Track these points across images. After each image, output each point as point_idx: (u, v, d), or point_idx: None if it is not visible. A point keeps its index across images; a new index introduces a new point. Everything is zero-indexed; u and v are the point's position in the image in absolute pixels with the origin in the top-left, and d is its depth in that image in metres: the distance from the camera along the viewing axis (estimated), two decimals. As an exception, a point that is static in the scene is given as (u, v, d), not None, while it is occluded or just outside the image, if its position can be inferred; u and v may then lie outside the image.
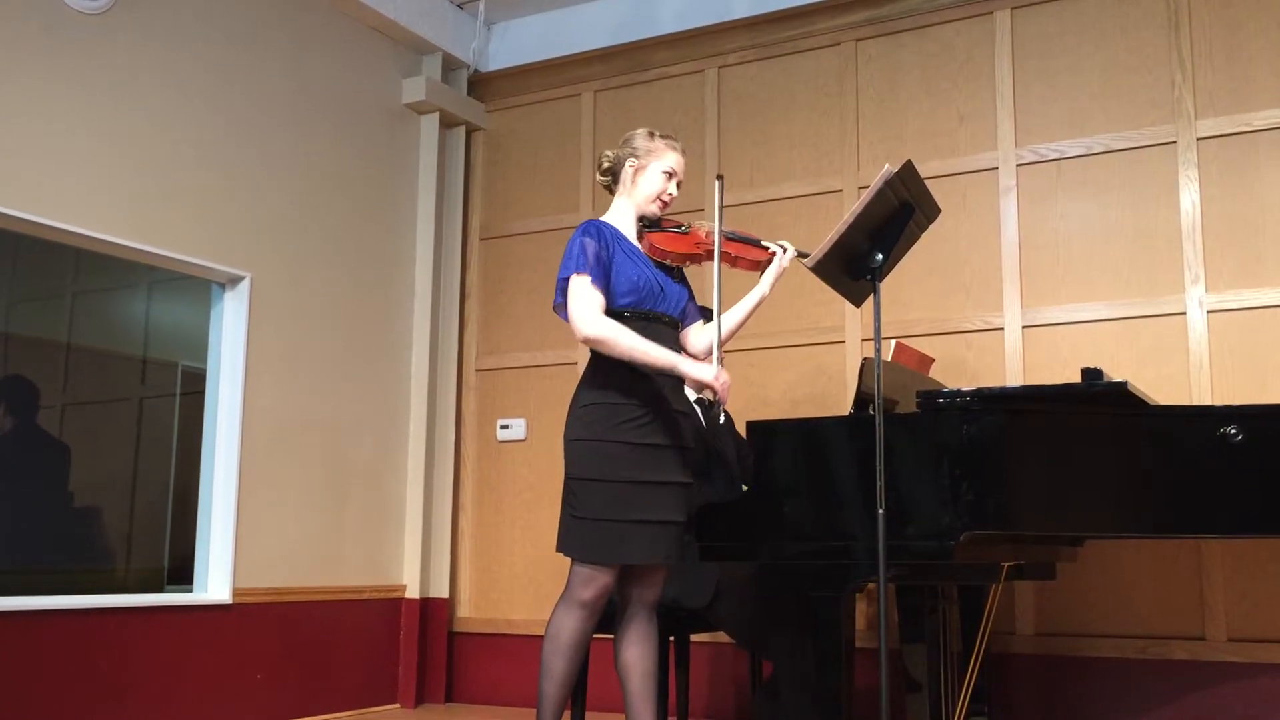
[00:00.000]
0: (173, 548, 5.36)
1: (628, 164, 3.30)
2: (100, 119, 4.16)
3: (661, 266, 3.28)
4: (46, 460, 5.30)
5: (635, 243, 3.28)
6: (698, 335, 3.34)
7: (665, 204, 3.31)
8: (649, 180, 3.28)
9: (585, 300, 3.10)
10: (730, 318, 3.34)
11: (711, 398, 3.16)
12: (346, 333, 5.13)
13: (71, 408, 5.66)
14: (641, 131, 3.35)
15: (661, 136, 3.33)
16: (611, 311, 3.15)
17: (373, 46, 5.37)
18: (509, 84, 5.78)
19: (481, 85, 5.83)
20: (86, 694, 3.97)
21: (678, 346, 3.29)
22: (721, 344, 3.25)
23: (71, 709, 3.92)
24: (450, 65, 5.70)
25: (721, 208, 3.26)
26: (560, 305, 3.20)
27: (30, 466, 5.21)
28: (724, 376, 3.12)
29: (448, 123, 5.67)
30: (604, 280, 3.14)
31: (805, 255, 3.18)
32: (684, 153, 3.36)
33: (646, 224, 3.31)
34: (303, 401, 4.88)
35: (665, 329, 3.24)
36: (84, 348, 5.83)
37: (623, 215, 3.32)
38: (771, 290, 3.35)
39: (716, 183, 3.32)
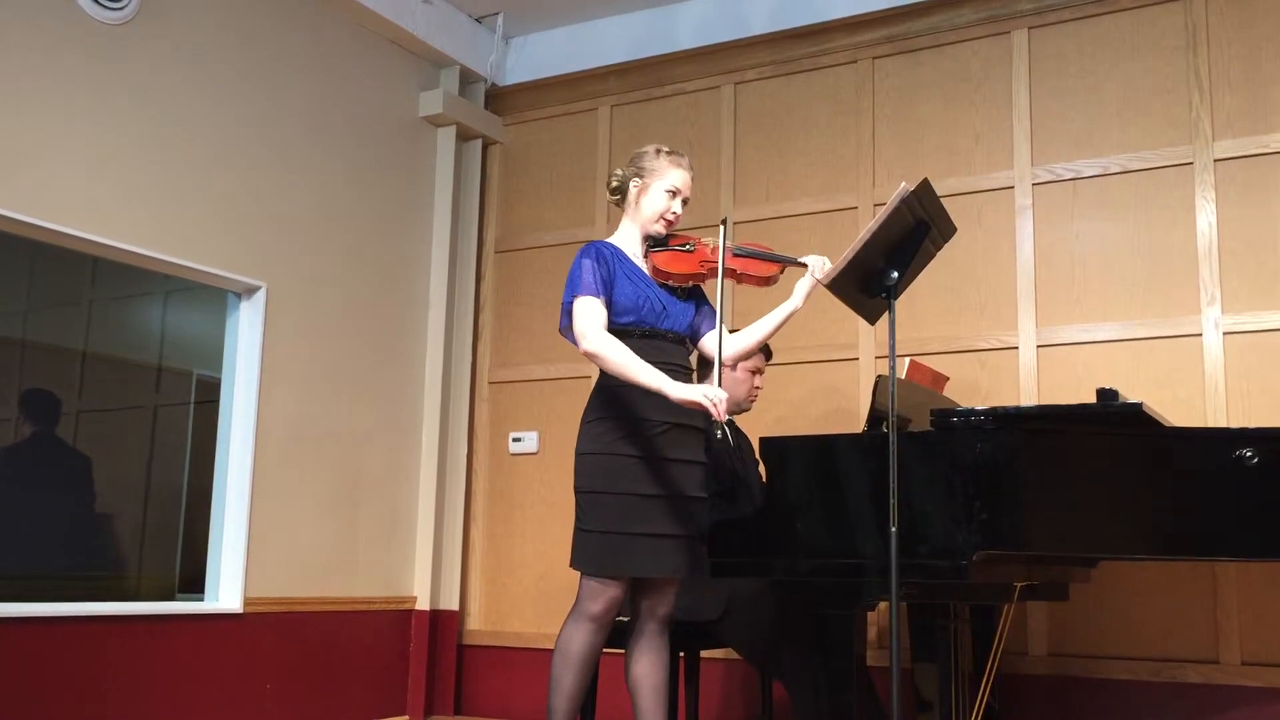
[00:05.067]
0: (185, 556, 5.37)
1: (632, 184, 3.31)
2: (119, 129, 4.19)
3: (665, 286, 3.29)
4: (66, 470, 5.31)
5: (638, 262, 3.28)
6: (715, 340, 3.34)
7: (670, 222, 3.31)
8: (652, 200, 3.29)
9: (588, 316, 3.12)
10: (760, 328, 3.34)
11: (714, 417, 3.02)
12: (361, 343, 5.14)
13: (87, 415, 5.68)
14: (649, 149, 3.34)
15: (667, 153, 3.31)
16: (614, 329, 3.16)
17: (391, 59, 5.40)
18: (526, 98, 5.80)
19: (499, 99, 5.85)
20: (97, 701, 3.97)
21: (684, 361, 3.29)
22: (742, 355, 3.32)
23: (82, 716, 3.92)
24: (468, 79, 5.72)
25: (725, 248, 3.26)
26: (566, 329, 3.22)
27: (49, 475, 5.23)
28: (715, 393, 2.99)
29: (465, 136, 5.68)
30: (608, 298, 3.16)
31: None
32: (690, 168, 3.34)
33: (653, 243, 3.31)
34: (316, 411, 4.89)
35: (669, 344, 3.24)
36: (100, 356, 5.85)
37: (628, 235, 3.33)
38: (805, 303, 3.34)
39: (721, 227, 3.31)
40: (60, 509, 5.25)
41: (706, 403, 2.99)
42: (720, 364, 3.18)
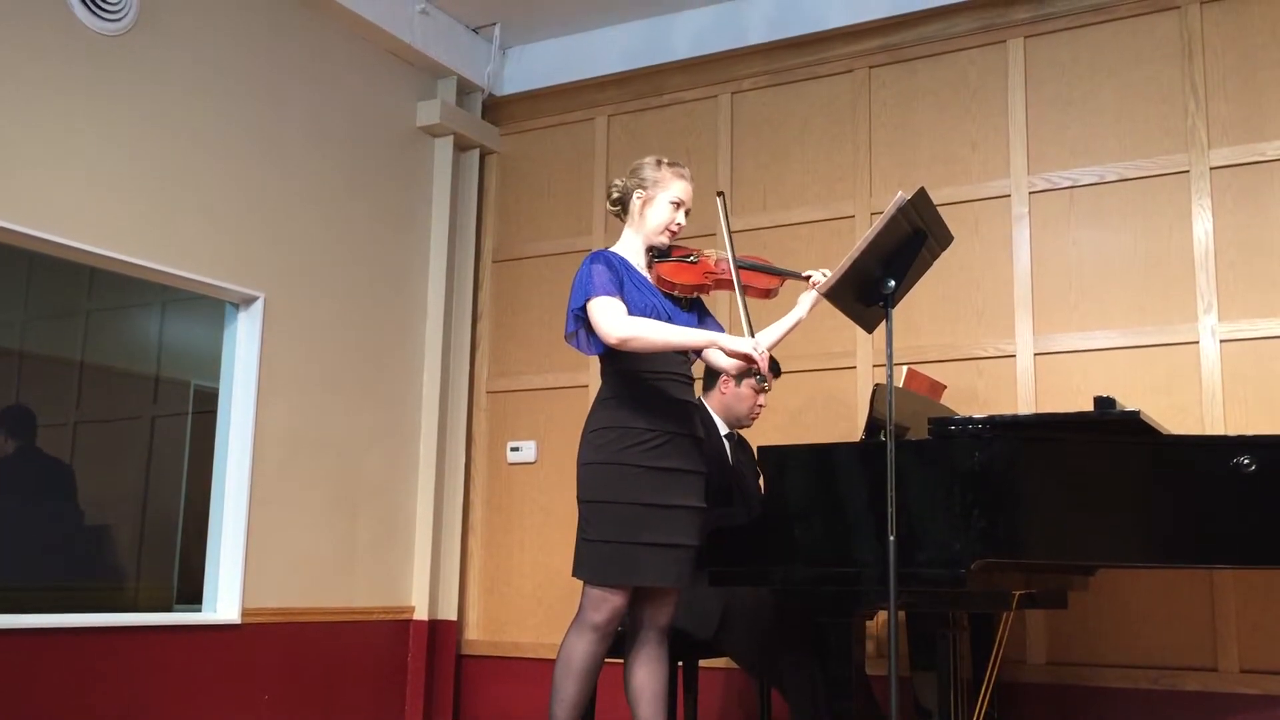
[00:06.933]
0: (183, 567, 5.36)
1: (635, 195, 3.31)
2: (116, 140, 4.19)
3: (670, 296, 3.29)
4: (50, 481, 5.31)
5: (643, 273, 3.29)
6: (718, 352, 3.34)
7: (674, 233, 3.32)
8: (656, 212, 3.29)
9: (609, 309, 3.12)
10: (766, 337, 3.35)
11: (754, 370, 3.15)
12: (359, 354, 5.14)
13: (84, 425, 5.67)
14: (649, 160, 3.35)
15: (669, 165, 3.32)
16: (608, 344, 3.16)
17: (389, 70, 5.40)
18: (523, 108, 5.81)
19: (496, 109, 5.86)
20: (94, 713, 3.96)
21: (687, 371, 3.30)
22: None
23: (79, 727, 3.92)
24: (465, 89, 5.73)
25: (727, 223, 3.30)
26: (572, 335, 3.22)
27: (34, 487, 5.23)
28: (761, 345, 3.12)
29: (462, 146, 5.69)
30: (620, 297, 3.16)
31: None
32: (691, 179, 3.35)
33: (656, 254, 3.32)
34: (314, 422, 4.89)
35: (673, 355, 3.25)
36: (97, 366, 5.85)
37: (631, 246, 3.34)
38: (809, 314, 3.36)
39: (718, 199, 3.34)
40: (49, 520, 5.24)
41: (755, 353, 3.08)
42: (749, 325, 3.17)
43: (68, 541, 5.31)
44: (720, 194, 3.39)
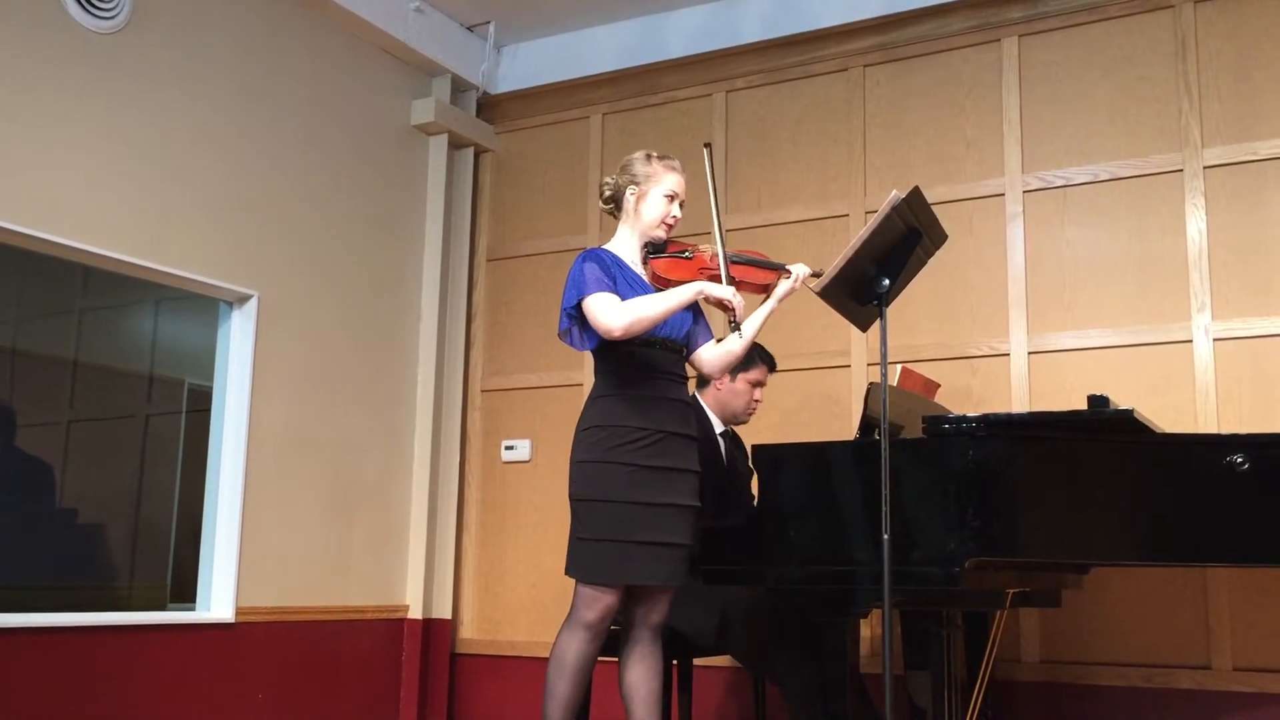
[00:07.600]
0: (176, 565, 5.36)
1: (628, 191, 3.31)
2: (110, 138, 4.18)
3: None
4: (29, 479, 5.30)
5: (637, 269, 3.29)
6: (710, 352, 3.34)
7: (670, 226, 3.32)
8: (651, 206, 3.29)
9: (604, 305, 3.12)
10: (746, 328, 3.34)
11: (731, 318, 3.19)
12: (353, 352, 5.14)
13: (77, 424, 5.66)
14: (639, 156, 3.35)
15: (659, 159, 3.32)
16: (613, 338, 3.15)
17: (383, 68, 5.40)
18: (518, 106, 5.80)
19: (490, 107, 5.85)
20: (87, 713, 3.96)
21: (680, 369, 3.29)
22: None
23: (73, 726, 3.91)
24: (460, 87, 5.72)
25: (713, 178, 3.33)
26: (566, 332, 3.22)
27: (12, 486, 5.22)
28: (738, 295, 3.18)
29: (456, 144, 5.68)
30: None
31: (819, 274, 3.18)
32: (683, 170, 3.35)
33: (650, 251, 3.32)
34: (308, 420, 4.88)
35: (665, 352, 3.24)
36: (91, 364, 5.84)
37: (626, 242, 3.34)
38: (779, 304, 3.34)
39: (705, 150, 3.33)
40: (30, 518, 5.23)
41: (736, 301, 3.14)
42: (727, 269, 3.22)
43: (51, 540, 5.29)
44: (707, 145, 3.38)
